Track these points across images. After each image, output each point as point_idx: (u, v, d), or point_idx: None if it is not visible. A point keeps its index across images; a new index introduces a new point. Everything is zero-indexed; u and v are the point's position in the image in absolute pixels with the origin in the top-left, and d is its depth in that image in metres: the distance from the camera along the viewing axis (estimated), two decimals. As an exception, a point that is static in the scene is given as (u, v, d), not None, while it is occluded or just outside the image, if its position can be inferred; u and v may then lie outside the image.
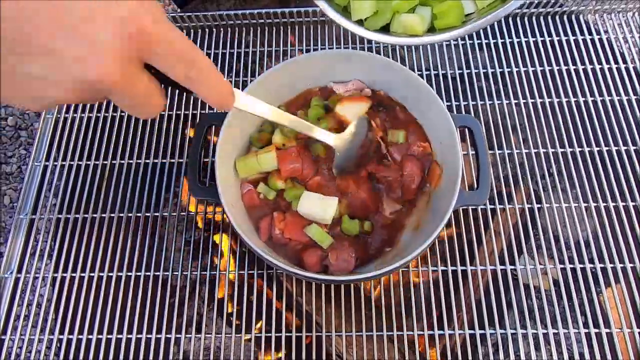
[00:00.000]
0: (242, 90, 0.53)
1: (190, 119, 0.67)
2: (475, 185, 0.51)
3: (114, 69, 0.25)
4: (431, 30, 0.46)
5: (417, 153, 0.54)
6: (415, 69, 0.69)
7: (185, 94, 0.52)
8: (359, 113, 0.54)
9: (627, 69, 0.67)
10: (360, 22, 0.47)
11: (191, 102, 0.68)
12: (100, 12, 0.24)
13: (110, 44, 0.24)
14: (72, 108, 0.68)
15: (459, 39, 0.71)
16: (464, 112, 0.65)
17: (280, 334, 0.53)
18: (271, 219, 0.50)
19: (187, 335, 0.53)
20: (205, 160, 0.63)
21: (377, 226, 0.52)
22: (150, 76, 0.29)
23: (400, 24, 0.46)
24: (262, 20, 0.73)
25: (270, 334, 0.53)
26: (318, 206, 0.49)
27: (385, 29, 0.47)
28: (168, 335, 0.53)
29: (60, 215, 0.60)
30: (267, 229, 0.50)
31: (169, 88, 0.32)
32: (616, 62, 0.67)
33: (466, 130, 0.54)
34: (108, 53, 0.25)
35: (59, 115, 0.68)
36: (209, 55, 0.72)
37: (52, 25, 0.23)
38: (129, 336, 0.53)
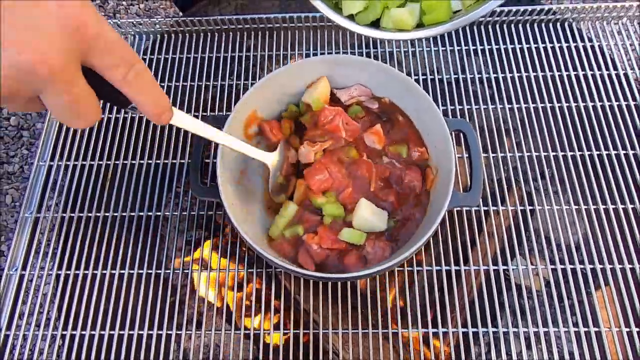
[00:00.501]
0: (243, 94, 0.55)
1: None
2: (469, 188, 0.52)
3: (57, 58, 0.25)
4: (420, 26, 0.48)
5: (415, 158, 0.55)
6: (412, 74, 0.70)
7: (121, 108, 0.51)
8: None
9: (617, 76, 0.68)
10: (351, 18, 0.48)
11: (193, 105, 0.70)
12: (45, 5, 0.25)
13: (54, 35, 0.25)
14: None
15: (455, 44, 0.72)
16: (459, 116, 0.66)
17: (278, 332, 0.54)
18: (305, 246, 0.51)
19: (187, 332, 0.55)
20: (207, 161, 0.64)
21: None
22: (87, 84, 0.28)
23: (390, 18, 0.47)
24: (263, 25, 0.75)
25: (268, 332, 0.54)
26: (375, 217, 0.51)
27: (376, 25, 0.49)
28: (169, 332, 0.54)
29: (64, 214, 0.62)
30: (307, 255, 0.51)
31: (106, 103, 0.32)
32: (607, 69, 0.69)
33: (460, 134, 0.55)
34: (52, 41, 0.25)
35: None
36: (210, 59, 0.73)
37: None
38: (131, 332, 0.54)
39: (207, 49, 0.74)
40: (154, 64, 0.73)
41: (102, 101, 0.31)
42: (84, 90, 0.28)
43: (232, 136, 0.47)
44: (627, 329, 0.52)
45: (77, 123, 0.29)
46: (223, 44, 0.74)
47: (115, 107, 0.70)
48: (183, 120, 0.38)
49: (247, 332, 0.54)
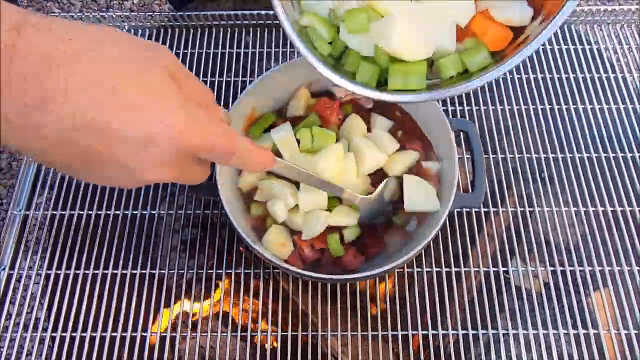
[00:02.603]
0: (241, 92, 0.53)
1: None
2: (470, 188, 0.52)
3: (166, 175, 0.29)
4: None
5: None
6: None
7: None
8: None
9: (615, 79, 0.69)
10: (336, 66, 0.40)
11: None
12: (155, 131, 0.27)
13: (161, 159, 0.28)
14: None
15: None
16: (459, 116, 0.66)
17: (275, 334, 0.53)
18: (296, 250, 0.50)
19: (182, 334, 0.53)
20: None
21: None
22: (200, 161, 0.32)
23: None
24: (262, 21, 0.74)
25: (265, 334, 0.53)
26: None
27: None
28: (163, 334, 0.53)
29: (54, 212, 0.60)
30: (298, 257, 0.50)
31: None
32: (605, 72, 0.69)
33: (461, 134, 0.55)
34: (158, 167, 0.28)
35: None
36: (207, 55, 0.72)
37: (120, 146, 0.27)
38: (124, 334, 0.53)
39: (204, 44, 0.73)
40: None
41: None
42: (198, 172, 0.33)
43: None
44: (626, 332, 0.52)
45: (187, 182, 0.34)
46: (220, 40, 0.73)
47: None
48: (282, 167, 0.41)
49: (243, 334, 0.53)
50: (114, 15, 0.73)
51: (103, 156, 0.26)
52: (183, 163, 0.29)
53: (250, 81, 0.54)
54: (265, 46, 0.72)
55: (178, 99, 0.28)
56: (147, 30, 0.74)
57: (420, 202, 0.50)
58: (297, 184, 0.50)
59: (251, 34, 0.74)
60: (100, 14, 0.74)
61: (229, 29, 0.74)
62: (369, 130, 0.55)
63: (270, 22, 0.74)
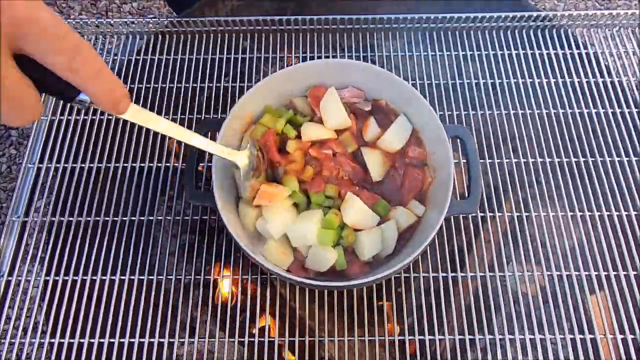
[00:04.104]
0: (238, 97, 0.54)
1: (186, 123, 0.67)
2: (466, 194, 0.52)
3: None
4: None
5: (415, 155, 0.55)
6: (409, 79, 0.70)
7: (68, 103, 0.45)
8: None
9: (612, 83, 0.69)
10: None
11: (187, 107, 0.68)
12: None
13: None
14: (67, 110, 0.68)
15: (452, 49, 0.73)
16: (455, 122, 0.66)
17: (273, 339, 0.53)
18: (299, 262, 0.50)
19: (180, 340, 0.53)
20: (202, 164, 0.63)
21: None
22: (23, 75, 0.25)
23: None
24: (260, 27, 0.74)
25: (263, 339, 0.53)
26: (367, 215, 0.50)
27: None
28: (161, 340, 0.53)
29: (53, 218, 0.60)
30: (301, 267, 0.50)
31: (50, 97, 0.29)
32: (602, 76, 0.70)
33: (457, 140, 0.55)
34: None
35: (53, 117, 0.67)
36: (205, 60, 0.72)
37: None
38: (122, 340, 0.53)
39: (202, 50, 0.73)
40: (147, 65, 0.72)
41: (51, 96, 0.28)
42: (16, 83, 0.24)
43: (192, 131, 0.43)
44: (622, 336, 0.52)
45: (12, 121, 0.26)
46: (218, 46, 0.73)
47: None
48: (138, 114, 0.34)
49: (241, 339, 0.54)
50: (112, 22, 0.73)
51: None
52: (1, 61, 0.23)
53: (249, 86, 0.54)
54: (262, 51, 0.73)
55: None
56: (145, 35, 0.75)
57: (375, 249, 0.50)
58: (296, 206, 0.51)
59: (248, 40, 0.74)
60: (99, 19, 0.75)
61: (226, 35, 0.74)
62: (364, 134, 0.56)
63: (267, 27, 0.74)
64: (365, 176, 0.54)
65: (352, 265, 0.50)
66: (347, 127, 0.55)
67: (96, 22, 0.73)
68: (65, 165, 0.64)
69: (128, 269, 0.57)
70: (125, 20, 0.74)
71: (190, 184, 0.52)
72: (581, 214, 0.60)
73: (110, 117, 0.67)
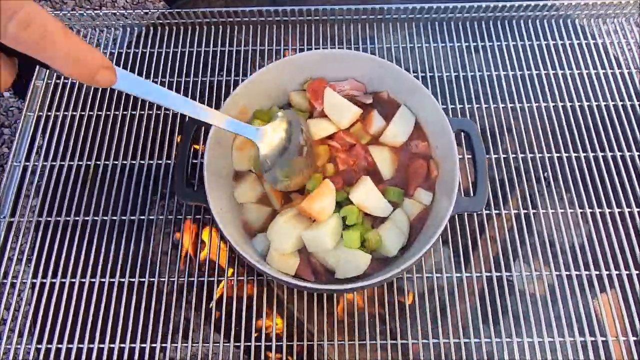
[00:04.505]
0: (233, 90, 0.51)
1: (179, 118, 0.65)
2: (471, 190, 0.50)
3: None
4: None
5: (418, 149, 0.53)
6: (411, 71, 0.67)
7: (46, 68, 0.43)
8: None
9: (622, 74, 0.66)
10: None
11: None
12: None
13: None
14: (54, 106, 0.66)
15: (455, 40, 0.70)
16: (459, 115, 0.64)
17: (270, 343, 0.51)
18: (307, 262, 0.48)
19: (174, 344, 0.51)
20: (194, 161, 0.61)
21: None
22: None
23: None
24: (255, 19, 0.71)
25: (260, 342, 0.51)
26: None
27: None
28: (153, 345, 0.51)
29: (40, 218, 0.58)
30: (310, 270, 0.48)
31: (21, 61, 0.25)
32: (611, 67, 0.67)
33: (462, 133, 0.53)
34: None
35: (40, 113, 0.65)
36: (199, 53, 0.70)
37: None
38: (112, 345, 0.51)
39: (196, 42, 0.70)
40: (138, 58, 0.69)
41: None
42: None
43: (206, 106, 0.40)
44: (635, 338, 0.50)
45: None
46: (212, 38, 0.71)
47: (96, 104, 0.65)
48: (132, 85, 0.31)
49: (237, 343, 0.51)
50: (107, 14, 0.71)
51: None
52: None
53: (243, 80, 0.52)
54: (258, 44, 0.70)
55: None
56: (138, 28, 0.72)
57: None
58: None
59: (243, 32, 0.72)
60: (95, 11, 0.72)
61: (220, 27, 0.72)
62: (368, 128, 0.54)
63: (262, 19, 0.71)
64: (375, 174, 0.53)
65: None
66: (358, 119, 0.54)
67: (92, 14, 0.71)
68: (54, 163, 0.61)
69: (118, 271, 0.54)
70: (118, 12, 0.71)
71: (180, 182, 0.49)
72: (590, 210, 0.57)
73: (100, 113, 0.65)
